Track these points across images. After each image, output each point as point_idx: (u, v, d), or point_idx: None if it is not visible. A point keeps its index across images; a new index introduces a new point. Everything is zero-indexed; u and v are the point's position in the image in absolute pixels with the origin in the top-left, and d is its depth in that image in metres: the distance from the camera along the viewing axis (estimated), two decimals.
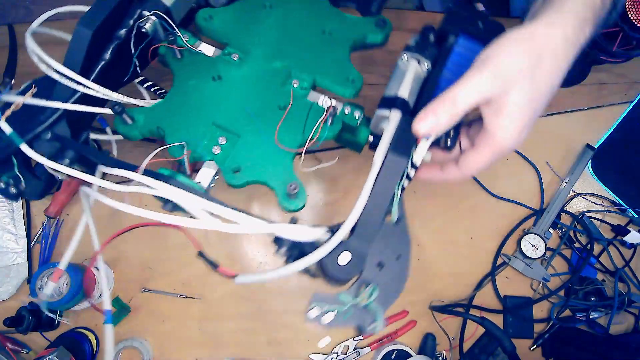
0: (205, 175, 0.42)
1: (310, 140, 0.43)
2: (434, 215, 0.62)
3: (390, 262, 0.37)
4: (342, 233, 0.33)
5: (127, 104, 0.45)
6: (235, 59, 0.47)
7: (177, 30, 0.46)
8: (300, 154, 0.44)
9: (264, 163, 0.43)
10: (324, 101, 0.46)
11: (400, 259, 0.37)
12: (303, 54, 0.48)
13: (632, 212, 0.64)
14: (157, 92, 0.52)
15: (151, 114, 0.44)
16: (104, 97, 0.43)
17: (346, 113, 0.46)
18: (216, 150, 0.43)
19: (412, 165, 0.38)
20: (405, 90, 0.41)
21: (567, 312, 0.62)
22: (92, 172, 0.38)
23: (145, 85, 0.51)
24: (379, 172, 0.35)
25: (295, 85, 0.46)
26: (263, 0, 0.50)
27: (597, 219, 0.64)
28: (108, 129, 0.53)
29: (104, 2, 0.41)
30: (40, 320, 0.52)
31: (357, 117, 0.46)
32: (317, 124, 0.44)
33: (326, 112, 0.44)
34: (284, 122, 0.44)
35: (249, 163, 0.43)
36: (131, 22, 0.43)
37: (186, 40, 0.47)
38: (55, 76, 0.40)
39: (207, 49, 0.48)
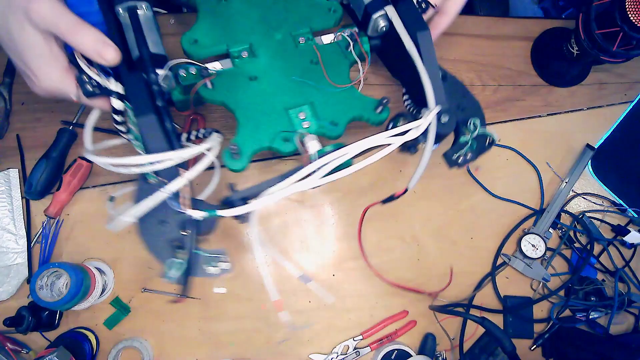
0: (314, 146, 0.46)
1: (363, 64, 0.52)
2: (434, 215, 0.62)
3: (462, 101, 0.50)
4: (432, 102, 0.45)
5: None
6: (245, 56, 0.49)
7: (200, 64, 0.48)
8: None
9: (343, 105, 0.50)
10: (336, 36, 0.53)
11: (466, 96, 0.51)
12: (286, 15, 0.52)
13: (632, 212, 0.64)
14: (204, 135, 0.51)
15: (245, 140, 0.47)
16: (199, 154, 0.44)
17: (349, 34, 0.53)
18: (305, 124, 0.48)
19: None
20: None
21: (567, 312, 0.62)
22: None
23: (187, 139, 0.51)
24: (418, 51, 0.46)
25: (302, 42, 0.51)
26: None
27: (597, 219, 0.64)
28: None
29: (134, 87, 0.42)
30: (40, 320, 0.52)
31: (356, 33, 0.52)
32: (351, 50, 0.52)
33: (352, 38, 0.52)
34: (326, 69, 0.51)
35: (336, 112, 0.49)
36: (156, 87, 0.43)
37: (198, 70, 0.48)
38: (165, 164, 0.40)
39: (219, 65, 0.50)
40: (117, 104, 0.42)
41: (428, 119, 0.45)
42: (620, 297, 0.60)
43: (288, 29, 0.51)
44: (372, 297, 0.60)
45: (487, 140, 0.50)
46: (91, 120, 0.45)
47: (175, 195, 0.41)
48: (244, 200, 0.42)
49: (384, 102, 0.49)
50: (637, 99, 0.68)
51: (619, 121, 0.67)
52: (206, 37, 0.49)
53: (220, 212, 0.41)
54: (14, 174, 0.56)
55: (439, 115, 0.46)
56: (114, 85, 0.42)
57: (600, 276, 0.63)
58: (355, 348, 0.59)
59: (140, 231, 0.43)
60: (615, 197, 0.65)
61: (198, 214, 0.41)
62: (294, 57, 0.51)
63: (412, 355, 0.57)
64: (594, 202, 0.65)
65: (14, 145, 0.57)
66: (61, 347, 0.48)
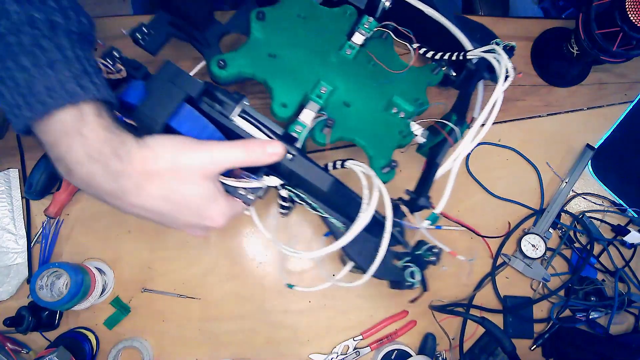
0: (418, 129, 0.54)
1: (414, 44, 0.57)
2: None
3: (475, 29, 0.58)
4: (467, 44, 0.54)
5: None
6: (325, 91, 0.51)
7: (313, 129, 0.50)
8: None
9: (413, 83, 0.56)
10: (368, 33, 0.55)
11: (473, 24, 0.61)
12: (322, 37, 0.54)
13: (632, 212, 0.64)
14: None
15: (381, 154, 0.52)
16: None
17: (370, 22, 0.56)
18: (402, 115, 0.54)
19: None
20: None
21: (567, 312, 0.62)
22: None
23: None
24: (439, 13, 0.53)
25: (349, 53, 0.54)
26: (267, 52, 0.51)
27: (597, 219, 0.64)
28: None
29: (306, 170, 0.44)
30: (40, 320, 0.52)
31: (395, 24, 0.56)
32: (390, 35, 0.57)
33: (390, 27, 0.56)
34: (384, 63, 0.55)
35: (413, 92, 0.55)
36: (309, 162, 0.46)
37: (310, 129, 0.50)
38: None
39: (312, 113, 0.50)
40: (284, 192, 0.45)
41: (504, 57, 0.50)
42: (620, 297, 0.60)
43: (334, 48, 0.54)
44: (372, 297, 0.60)
45: (508, 48, 0.55)
46: (258, 221, 0.49)
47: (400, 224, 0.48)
48: (427, 197, 0.48)
49: (442, 65, 0.56)
50: (637, 99, 0.68)
51: (619, 121, 0.67)
52: (289, 97, 0.50)
53: (435, 211, 0.49)
54: (14, 174, 0.57)
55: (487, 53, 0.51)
56: (271, 180, 0.42)
57: (600, 276, 0.63)
58: (355, 348, 0.59)
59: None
60: (615, 197, 0.65)
61: (427, 223, 0.48)
62: (356, 68, 0.54)
63: (412, 355, 0.57)
64: (594, 202, 0.65)
65: (14, 145, 0.57)
66: (61, 347, 0.48)
